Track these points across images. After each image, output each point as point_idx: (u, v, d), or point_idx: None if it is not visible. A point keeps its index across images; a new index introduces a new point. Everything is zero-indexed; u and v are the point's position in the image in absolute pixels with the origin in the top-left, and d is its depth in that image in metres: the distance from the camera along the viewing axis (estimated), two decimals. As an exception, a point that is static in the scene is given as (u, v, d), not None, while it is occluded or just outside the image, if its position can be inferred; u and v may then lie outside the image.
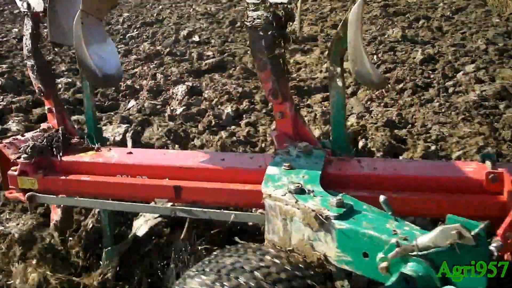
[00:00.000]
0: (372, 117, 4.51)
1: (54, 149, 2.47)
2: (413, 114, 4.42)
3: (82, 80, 2.67)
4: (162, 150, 2.51)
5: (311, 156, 2.20)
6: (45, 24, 2.62)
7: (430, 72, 5.39)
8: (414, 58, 5.76)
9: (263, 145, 4.00)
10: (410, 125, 4.26)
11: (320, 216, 1.76)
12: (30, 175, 2.40)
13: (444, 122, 4.29)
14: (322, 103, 4.86)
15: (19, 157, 2.42)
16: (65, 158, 2.45)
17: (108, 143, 2.97)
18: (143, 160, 2.38)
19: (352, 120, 4.41)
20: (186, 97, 5.15)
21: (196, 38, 7.70)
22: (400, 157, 3.67)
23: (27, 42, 2.66)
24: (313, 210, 1.79)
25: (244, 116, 4.70)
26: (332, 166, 2.18)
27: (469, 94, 4.69)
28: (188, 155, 2.39)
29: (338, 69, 2.26)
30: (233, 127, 4.48)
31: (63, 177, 2.38)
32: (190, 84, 5.40)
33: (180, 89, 5.21)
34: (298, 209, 1.84)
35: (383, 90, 4.89)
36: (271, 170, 2.09)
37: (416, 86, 4.97)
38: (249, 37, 2.36)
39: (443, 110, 4.52)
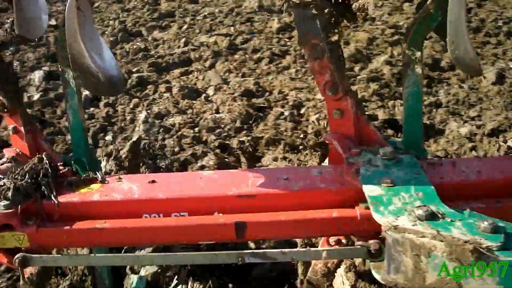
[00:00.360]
0: (229, 88, 4.53)
1: (43, 187, 1.77)
2: (271, 82, 4.53)
3: (66, 86, 1.95)
4: (195, 174, 1.92)
5: (403, 164, 1.77)
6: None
7: (287, 40, 5.51)
8: (271, 27, 5.86)
9: (122, 124, 4.03)
10: (267, 93, 4.37)
11: (480, 249, 1.35)
12: (16, 229, 1.68)
13: (301, 88, 4.41)
14: (181, 77, 4.91)
15: (-5, 206, 1.69)
16: (63, 199, 1.76)
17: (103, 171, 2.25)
18: (176, 191, 1.77)
19: (210, 92, 4.49)
20: (44, 82, 4.87)
21: (52, 21, 6.99)
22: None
23: (-24, 39, 1.88)
24: (465, 242, 1.37)
25: (102, 97, 4.59)
26: (429, 174, 1.77)
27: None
28: (235, 177, 1.83)
29: (418, 54, 1.84)
30: (91, 108, 4.38)
31: (67, 227, 1.69)
32: (48, 69, 5.11)
33: (37, 75, 4.99)
34: (441, 241, 1.41)
35: (240, 61, 5.01)
36: (370, 189, 1.63)
37: (273, 54, 5.09)
38: (296, 17, 1.85)
39: (299, 76, 4.64)
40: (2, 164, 1.93)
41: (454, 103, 3.97)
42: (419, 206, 1.50)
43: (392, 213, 1.51)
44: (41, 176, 1.79)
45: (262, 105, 4.13)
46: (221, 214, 1.71)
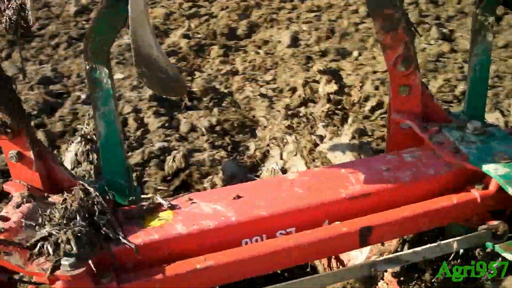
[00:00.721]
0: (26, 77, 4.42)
1: (104, 229, 1.31)
2: (69, 67, 4.51)
3: (97, 88, 1.45)
4: (280, 179, 1.60)
5: (496, 137, 1.69)
6: None
7: (85, 22, 5.49)
8: (68, 11, 5.76)
9: None
10: (65, 78, 4.35)
11: None
12: (91, 292, 1.22)
13: (101, 69, 4.65)
14: None
15: (56, 267, 1.19)
16: (138, 239, 1.32)
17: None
18: (276, 204, 1.45)
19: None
20: None
21: None
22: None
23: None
24: None
25: None
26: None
27: (123, 39, 4.89)
28: (331, 176, 1.56)
29: (491, 19, 1.74)
30: None
31: (159, 276, 1.27)
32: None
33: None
34: None
35: (37, 48, 4.84)
36: (494, 168, 1.51)
37: (70, 38, 5.04)
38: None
39: (97, 58, 4.86)
40: (18, 206, 1.39)
41: (250, 69, 4.07)
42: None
43: (534, 191, 1.42)
44: (97, 214, 1.32)
45: (60, 91, 3.99)
46: (338, 222, 1.44)
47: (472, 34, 1.79)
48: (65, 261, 1.19)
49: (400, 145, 1.86)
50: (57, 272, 1.18)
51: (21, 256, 1.22)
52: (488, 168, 1.51)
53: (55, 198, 1.46)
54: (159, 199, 1.47)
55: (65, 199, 1.36)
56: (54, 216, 1.31)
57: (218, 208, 1.44)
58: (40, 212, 1.36)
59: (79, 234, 1.24)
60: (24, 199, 1.41)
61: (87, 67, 1.42)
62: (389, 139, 1.91)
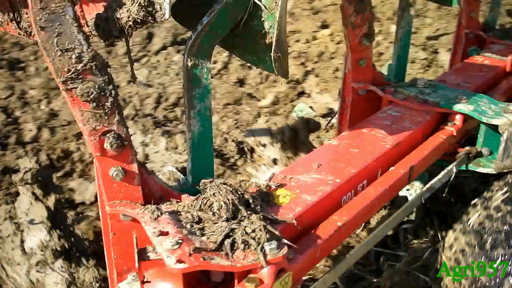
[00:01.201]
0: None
1: (262, 214, 1.35)
2: None
3: (196, 84, 1.40)
4: (329, 146, 1.80)
5: (438, 86, 2.27)
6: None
7: None
8: None
9: None
10: None
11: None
12: (287, 269, 1.27)
13: None
14: None
15: (265, 254, 1.20)
16: (288, 215, 1.40)
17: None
18: (353, 164, 1.71)
19: None
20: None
21: None
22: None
23: (79, 39, 1.14)
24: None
25: None
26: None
27: None
28: (361, 137, 1.88)
29: (414, -3, 2.32)
30: None
31: (319, 241, 1.39)
32: None
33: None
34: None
35: None
36: (465, 107, 2.07)
37: None
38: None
39: None
40: (155, 220, 1.28)
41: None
42: (507, 106, 2.05)
43: (497, 115, 2.00)
44: (251, 202, 1.35)
45: None
46: (393, 168, 1.79)
47: (398, 11, 2.34)
48: (269, 246, 1.22)
49: (360, 111, 2.28)
50: (269, 257, 1.21)
51: (221, 257, 1.19)
52: (459, 107, 2.07)
53: (167, 207, 1.38)
54: (263, 182, 1.54)
55: (204, 198, 1.33)
56: (206, 216, 1.29)
57: (316, 176, 1.61)
58: (183, 219, 1.31)
59: (265, 222, 1.27)
60: (155, 213, 1.31)
61: (189, 63, 1.38)
62: (348, 109, 2.27)
